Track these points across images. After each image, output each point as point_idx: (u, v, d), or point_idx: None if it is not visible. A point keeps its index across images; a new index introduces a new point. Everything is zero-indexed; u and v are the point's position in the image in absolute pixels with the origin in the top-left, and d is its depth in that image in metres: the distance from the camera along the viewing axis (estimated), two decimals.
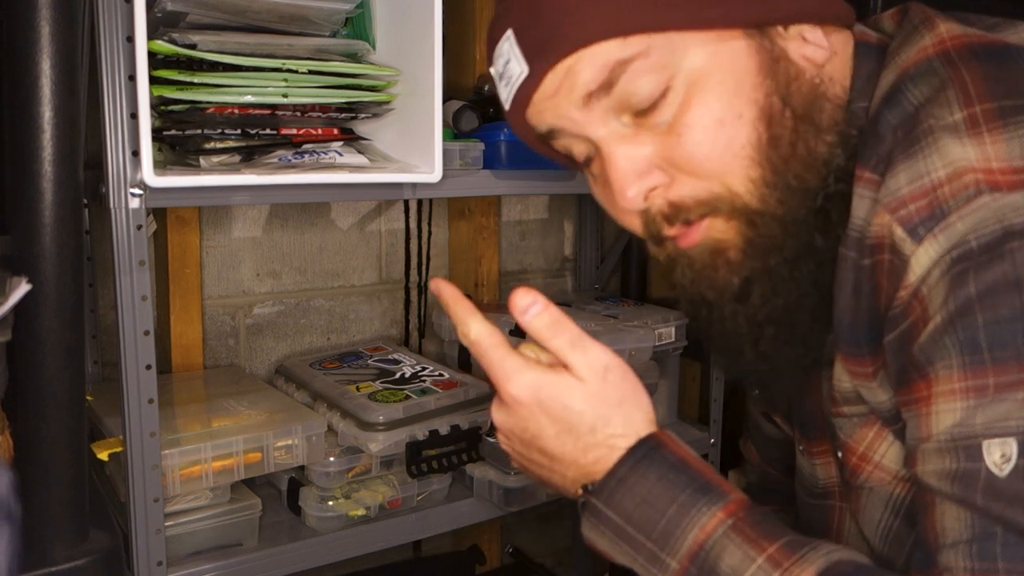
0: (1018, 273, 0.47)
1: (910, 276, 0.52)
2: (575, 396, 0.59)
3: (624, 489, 0.58)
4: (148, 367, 0.92)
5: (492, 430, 0.69)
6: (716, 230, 0.61)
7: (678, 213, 0.61)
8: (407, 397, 1.16)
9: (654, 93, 0.58)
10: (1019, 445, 0.46)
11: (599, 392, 0.59)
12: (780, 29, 0.61)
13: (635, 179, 0.60)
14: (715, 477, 0.59)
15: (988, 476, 0.47)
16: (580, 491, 0.61)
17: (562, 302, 1.58)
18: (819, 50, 0.62)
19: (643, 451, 0.59)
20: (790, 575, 0.52)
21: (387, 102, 1.08)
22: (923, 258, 0.52)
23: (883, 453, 0.62)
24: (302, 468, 1.13)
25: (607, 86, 0.59)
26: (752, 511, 0.57)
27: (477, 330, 0.61)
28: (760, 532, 0.55)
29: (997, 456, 0.47)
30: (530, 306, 0.59)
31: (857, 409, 0.63)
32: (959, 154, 0.51)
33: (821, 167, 0.60)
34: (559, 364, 0.60)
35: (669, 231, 0.62)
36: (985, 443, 0.48)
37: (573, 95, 0.60)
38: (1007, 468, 0.47)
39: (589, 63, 0.58)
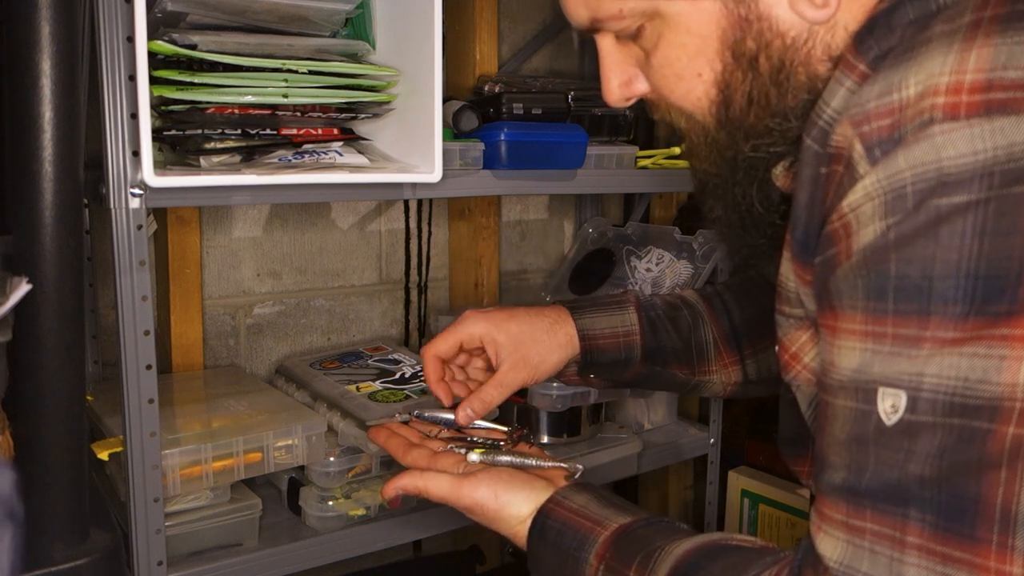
0: (938, 231, 0.47)
1: (849, 199, 0.52)
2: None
3: (536, 561, 0.75)
4: (148, 367, 0.92)
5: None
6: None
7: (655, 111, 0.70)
8: (407, 397, 1.16)
9: (630, 29, 0.64)
10: (908, 400, 0.49)
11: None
12: None
13: (619, 88, 0.69)
14: (590, 521, 0.71)
15: (878, 421, 0.51)
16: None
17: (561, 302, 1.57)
18: (814, 6, 0.58)
19: (537, 528, 0.74)
20: None
21: (387, 102, 1.08)
22: (865, 186, 0.51)
23: (812, 357, 0.63)
24: (302, 468, 1.13)
25: (592, 30, 0.67)
26: (616, 542, 0.68)
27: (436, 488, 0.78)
28: (622, 560, 0.67)
29: (888, 405, 0.50)
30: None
31: (796, 311, 0.63)
32: (936, 67, 0.49)
33: (783, 114, 0.62)
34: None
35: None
36: (880, 390, 0.50)
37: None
38: (894, 418, 0.50)
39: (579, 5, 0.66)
